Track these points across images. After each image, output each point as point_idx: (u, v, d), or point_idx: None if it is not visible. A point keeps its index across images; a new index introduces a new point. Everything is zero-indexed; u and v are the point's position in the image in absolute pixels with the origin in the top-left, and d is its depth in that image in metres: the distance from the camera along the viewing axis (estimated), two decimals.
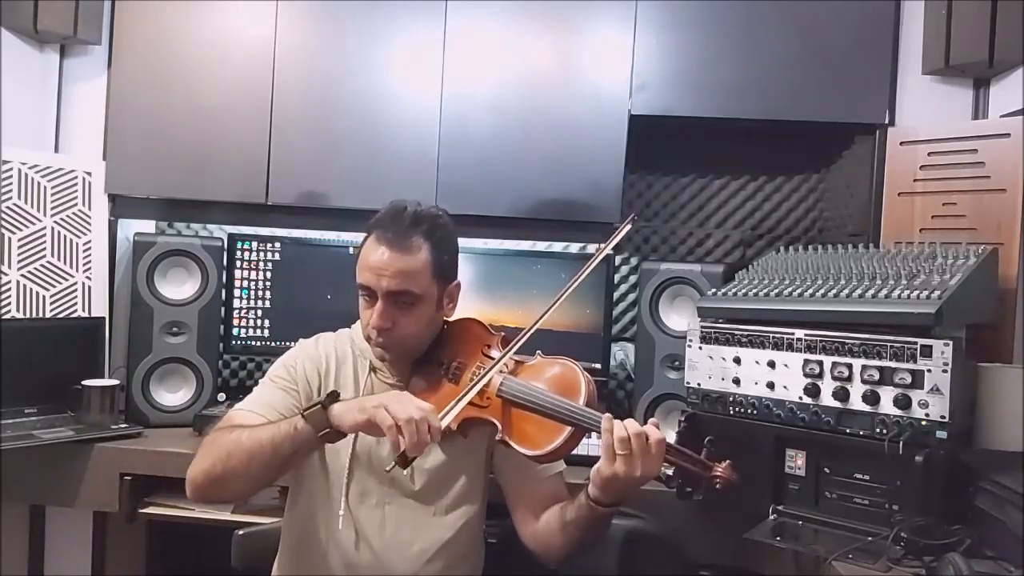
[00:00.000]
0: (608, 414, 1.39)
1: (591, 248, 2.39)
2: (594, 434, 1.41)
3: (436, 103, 2.30)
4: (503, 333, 1.60)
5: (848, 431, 1.63)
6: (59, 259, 2.31)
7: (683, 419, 1.80)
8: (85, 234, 2.37)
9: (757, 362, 1.75)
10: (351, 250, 2.29)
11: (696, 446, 1.45)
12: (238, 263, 2.35)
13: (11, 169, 2.23)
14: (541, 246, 2.44)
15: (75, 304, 2.34)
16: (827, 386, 1.65)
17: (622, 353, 2.46)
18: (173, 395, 2.29)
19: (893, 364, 1.57)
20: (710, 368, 1.81)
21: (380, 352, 1.54)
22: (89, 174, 2.38)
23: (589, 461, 1.44)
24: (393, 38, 2.31)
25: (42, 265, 2.28)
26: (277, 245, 2.36)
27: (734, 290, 1.87)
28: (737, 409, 1.77)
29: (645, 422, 1.41)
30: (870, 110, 2.23)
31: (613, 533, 1.63)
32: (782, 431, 1.74)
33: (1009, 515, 1.41)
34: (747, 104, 2.25)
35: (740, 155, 2.52)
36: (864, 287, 1.68)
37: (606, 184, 2.27)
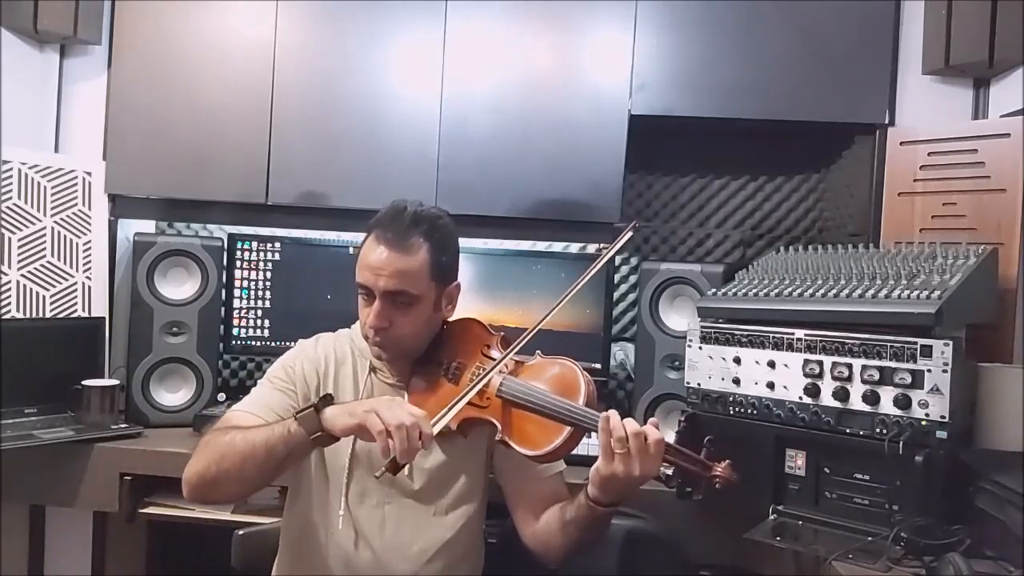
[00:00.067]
0: (606, 413, 1.38)
1: (591, 248, 2.39)
2: (594, 434, 1.41)
3: (436, 103, 2.30)
4: (503, 333, 1.60)
5: (848, 431, 1.63)
6: (59, 259, 2.31)
7: (683, 419, 1.80)
8: (85, 234, 2.37)
9: (757, 362, 1.74)
10: (351, 250, 2.29)
11: (696, 446, 1.45)
12: (238, 263, 2.35)
13: (11, 169, 2.23)
14: (541, 246, 2.44)
15: (75, 304, 2.34)
16: (827, 386, 1.65)
17: (622, 353, 2.46)
18: (173, 395, 2.29)
19: (893, 364, 1.57)
20: (710, 368, 1.81)
21: (377, 351, 1.54)
22: (89, 174, 2.38)
23: (589, 461, 1.44)
24: (393, 38, 2.32)
25: (42, 265, 2.28)
26: (277, 245, 2.36)
27: (734, 290, 1.87)
28: (737, 409, 1.77)
29: (645, 422, 1.41)
30: (870, 110, 2.23)
31: (613, 533, 1.63)
32: (782, 431, 1.73)
33: (1009, 515, 1.41)
34: (747, 104, 2.25)
35: (740, 155, 2.52)
36: (864, 287, 1.68)
37: (606, 184, 2.27)
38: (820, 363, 1.66)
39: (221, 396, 2.29)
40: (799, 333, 1.70)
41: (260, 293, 2.36)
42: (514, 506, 1.61)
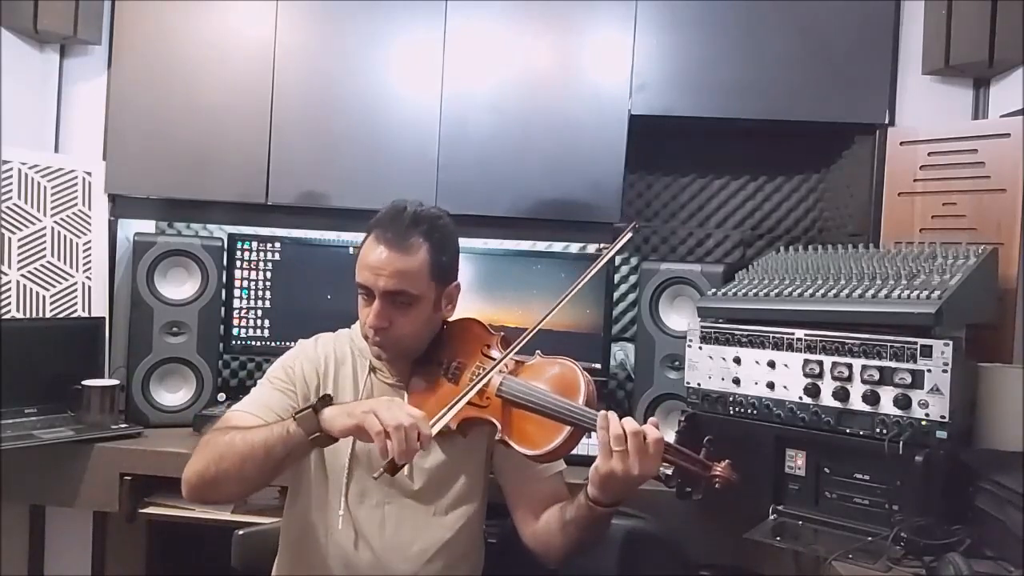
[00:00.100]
0: (604, 411, 1.38)
1: (591, 248, 2.39)
2: (594, 434, 1.41)
3: (436, 103, 2.30)
4: (503, 333, 1.60)
5: (848, 431, 1.63)
6: (59, 259, 2.31)
7: (683, 419, 1.80)
8: (85, 234, 2.37)
9: (757, 362, 1.74)
10: (351, 250, 2.29)
11: (695, 446, 1.45)
12: (238, 263, 2.35)
13: (11, 169, 2.23)
14: (541, 246, 2.44)
15: (75, 304, 2.34)
16: (827, 386, 1.65)
17: (622, 353, 2.46)
18: (173, 395, 2.29)
19: (893, 364, 1.57)
20: (710, 368, 1.81)
21: (377, 351, 1.54)
22: (89, 174, 2.38)
23: (589, 461, 1.44)
24: (393, 38, 2.32)
25: (42, 265, 2.28)
26: (277, 245, 2.36)
27: (734, 290, 1.87)
28: (737, 409, 1.77)
29: (645, 422, 1.41)
30: (870, 110, 2.23)
31: (613, 533, 1.63)
32: (782, 431, 1.73)
33: (1009, 515, 1.41)
34: (747, 104, 2.25)
35: (740, 155, 2.52)
36: (864, 287, 1.68)
37: (606, 184, 2.27)
38: (820, 363, 1.66)
39: (221, 396, 2.29)
40: (799, 333, 1.70)
41: (260, 293, 2.36)
42: (514, 506, 1.61)
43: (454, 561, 1.56)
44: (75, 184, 2.35)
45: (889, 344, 1.57)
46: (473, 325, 1.62)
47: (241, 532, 1.74)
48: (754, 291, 1.82)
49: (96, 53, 2.43)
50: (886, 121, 2.22)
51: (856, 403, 1.61)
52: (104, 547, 2.49)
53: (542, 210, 2.29)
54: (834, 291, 1.70)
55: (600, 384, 1.89)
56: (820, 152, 2.47)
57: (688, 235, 2.55)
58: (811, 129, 2.30)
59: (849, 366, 1.62)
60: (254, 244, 2.35)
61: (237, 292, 2.35)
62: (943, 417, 1.51)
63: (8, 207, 2.22)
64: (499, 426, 1.47)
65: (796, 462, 1.74)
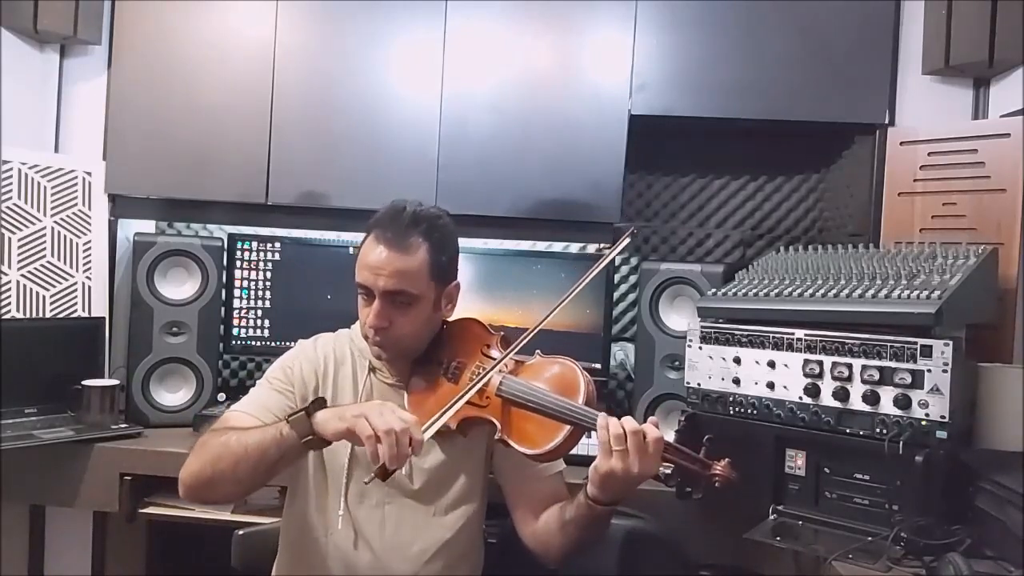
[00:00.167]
0: (603, 412, 1.38)
1: (591, 248, 2.39)
2: (593, 433, 1.41)
3: (436, 103, 2.30)
4: (502, 333, 1.60)
5: (848, 431, 1.63)
6: (59, 259, 2.31)
7: (683, 419, 1.80)
8: (85, 234, 2.37)
9: (757, 362, 1.74)
10: (351, 250, 2.29)
11: (695, 445, 1.45)
12: (238, 263, 2.35)
13: (11, 169, 2.23)
14: (541, 246, 2.44)
15: (75, 304, 2.34)
16: (827, 386, 1.65)
17: (622, 353, 2.46)
18: (173, 395, 2.29)
19: (893, 364, 1.57)
20: (710, 368, 1.81)
21: (378, 351, 1.54)
22: (89, 174, 2.38)
23: (589, 461, 1.44)
24: (393, 38, 2.32)
25: (42, 265, 2.28)
26: (277, 245, 2.36)
27: (734, 290, 1.87)
28: (737, 409, 1.77)
29: (644, 421, 1.41)
30: (870, 110, 2.23)
31: (613, 533, 1.63)
32: (782, 431, 1.73)
33: (1009, 515, 1.41)
34: (747, 104, 2.25)
35: (740, 155, 2.52)
36: (864, 287, 1.68)
37: (606, 184, 2.27)
38: (820, 363, 1.66)
39: (221, 396, 2.29)
40: (799, 333, 1.69)
41: (260, 293, 2.35)
42: (514, 506, 1.61)
43: (454, 561, 1.56)
44: (75, 184, 2.35)
45: (889, 344, 1.57)
46: (473, 325, 1.62)
47: (241, 532, 1.74)
48: (754, 291, 1.82)
49: (96, 53, 2.43)
50: (886, 121, 2.22)
51: (856, 403, 1.61)
52: (104, 547, 2.49)
53: (542, 210, 2.29)
54: (834, 291, 1.70)
55: (600, 384, 1.89)
56: (820, 152, 2.47)
57: (688, 235, 2.55)
58: (811, 129, 2.30)
59: (849, 366, 1.62)
60: (254, 244, 2.35)
61: (237, 292, 2.34)
62: (943, 417, 1.51)
63: (8, 207, 2.22)
64: (499, 426, 1.47)
65: (796, 462, 1.74)
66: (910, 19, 2.23)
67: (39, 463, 2.01)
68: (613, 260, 2.39)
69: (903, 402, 1.55)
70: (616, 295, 2.50)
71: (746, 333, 1.77)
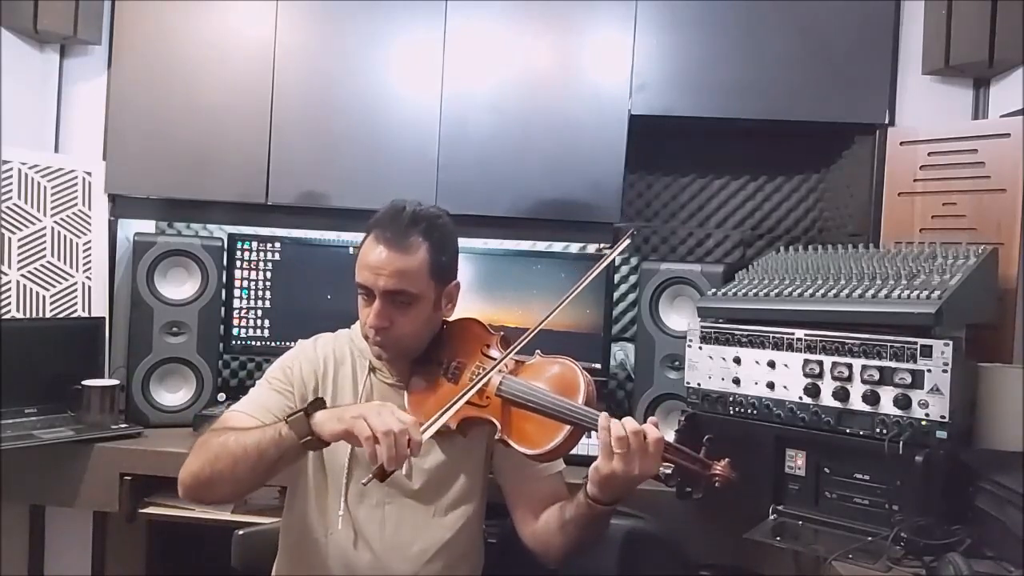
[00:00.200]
0: (605, 412, 1.38)
1: (591, 248, 2.39)
2: (593, 433, 1.41)
3: (436, 103, 2.30)
4: (502, 333, 1.60)
5: (848, 431, 1.63)
6: (59, 259, 2.31)
7: (683, 419, 1.80)
8: (85, 234, 2.37)
9: (757, 362, 1.74)
10: (351, 250, 2.29)
11: (695, 444, 1.45)
12: (238, 263, 2.35)
13: (11, 169, 2.23)
14: (541, 246, 2.44)
15: (75, 304, 2.34)
16: (827, 386, 1.65)
17: (622, 353, 2.46)
18: (173, 395, 2.29)
19: (893, 364, 1.57)
20: (710, 368, 1.81)
21: (378, 351, 1.54)
22: (89, 174, 2.38)
23: (589, 461, 1.44)
24: (393, 38, 2.32)
25: (42, 265, 2.28)
26: (277, 245, 2.36)
27: (734, 290, 1.87)
28: (737, 409, 1.77)
29: (644, 421, 1.41)
30: (870, 110, 2.23)
31: (613, 533, 1.63)
32: (782, 431, 1.73)
33: (1009, 515, 1.41)
34: (747, 104, 2.25)
35: (740, 155, 2.52)
36: (864, 287, 1.68)
37: (606, 184, 2.27)
38: (820, 363, 1.66)
39: (221, 396, 2.29)
40: (799, 333, 1.69)
41: (260, 293, 2.35)
42: (513, 505, 1.61)
43: (454, 561, 1.56)
44: (75, 184, 2.36)
45: (889, 344, 1.57)
46: (473, 325, 1.62)
47: (241, 532, 1.74)
48: (754, 291, 1.82)
49: (96, 53, 2.43)
50: (886, 121, 2.22)
51: (856, 403, 1.61)
52: (104, 547, 2.49)
53: (542, 210, 2.29)
54: (834, 291, 1.70)
55: (600, 384, 1.89)
56: (820, 152, 2.47)
57: (688, 235, 2.55)
58: (811, 129, 2.30)
59: (849, 366, 1.62)
60: (254, 244, 2.35)
61: (237, 292, 2.34)
62: (943, 417, 1.51)
63: (8, 207, 2.22)
64: (499, 426, 1.47)
65: (796, 462, 1.74)
66: (910, 19, 2.23)
67: (39, 463, 2.01)
68: (613, 260, 2.39)
69: (903, 402, 1.55)
70: (616, 295, 2.50)
71: (746, 333, 1.77)
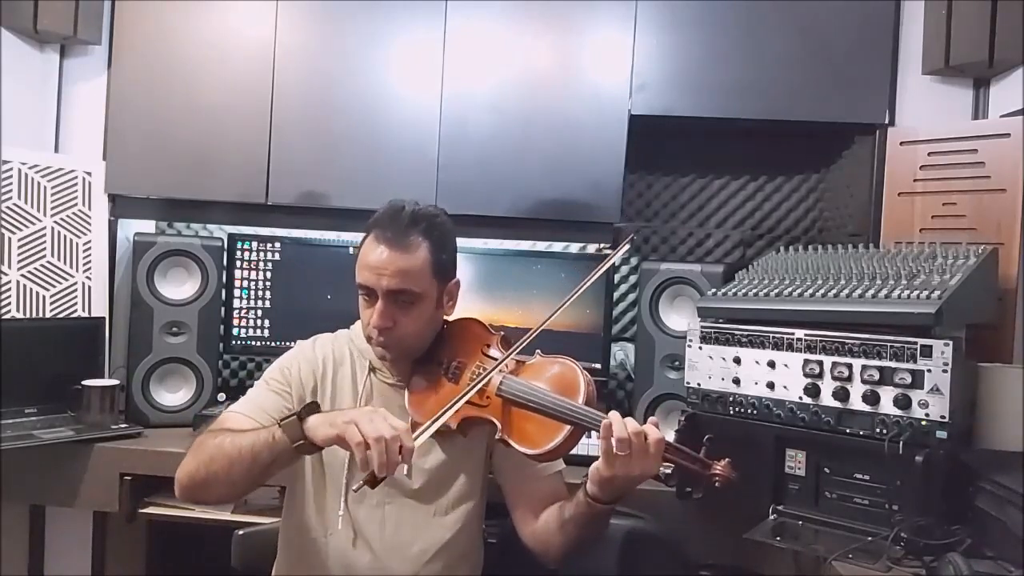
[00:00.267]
0: (607, 420, 1.38)
1: (591, 248, 2.39)
2: (593, 433, 1.41)
3: (436, 103, 2.30)
4: (503, 333, 1.60)
5: (848, 431, 1.63)
6: (59, 259, 2.31)
7: (683, 419, 1.80)
8: (85, 234, 2.37)
9: (757, 362, 1.74)
10: (351, 250, 2.29)
11: (695, 444, 1.45)
12: (238, 263, 2.35)
13: (11, 169, 2.23)
14: (541, 246, 2.44)
15: (75, 304, 2.34)
16: (827, 386, 1.65)
17: (622, 353, 2.46)
18: (173, 395, 2.29)
19: (893, 364, 1.57)
20: (710, 368, 1.81)
21: (381, 352, 1.54)
22: (89, 174, 2.38)
23: (589, 461, 1.44)
24: (393, 38, 2.32)
25: (42, 265, 2.28)
26: (277, 245, 2.36)
27: (734, 290, 1.87)
28: (737, 409, 1.77)
29: (645, 421, 1.41)
30: (870, 110, 2.23)
31: (613, 533, 1.63)
32: (782, 431, 1.73)
33: (1009, 515, 1.41)
34: (747, 104, 2.25)
35: (740, 155, 2.52)
36: (864, 287, 1.68)
37: (606, 184, 2.27)
38: (820, 363, 1.66)
39: (221, 396, 2.29)
40: (799, 333, 1.69)
41: (260, 293, 2.35)
42: (513, 505, 1.61)
43: (454, 561, 1.56)
44: (75, 184, 2.35)
45: (889, 344, 1.57)
46: (473, 325, 1.62)
47: (241, 532, 1.74)
48: (754, 291, 1.82)
49: (96, 53, 2.43)
50: (886, 121, 2.22)
51: (856, 403, 1.61)
52: (104, 547, 2.49)
53: (542, 210, 2.29)
54: (834, 291, 1.70)
55: (600, 384, 1.89)
56: (820, 152, 2.47)
57: (688, 235, 2.55)
58: (811, 129, 2.31)
59: (849, 366, 1.62)
60: (254, 244, 2.35)
61: (237, 292, 2.34)
62: (943, 417, 1.51)
63: (8, 207, 2.22)
64: (499, 425, 1.47)
65: (796, 462, 1.74)
66: (910, 19, 2.23)
67: (39, 463, 2.01)
68: (614, 262, 2.39)
69: (903, 402, 1.55)
70: (616, 295, 2.50)
71: (746, 333, 1.77)
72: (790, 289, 1.78)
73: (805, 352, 1.68)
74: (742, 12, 2.24)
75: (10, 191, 2.23)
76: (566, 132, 2.28)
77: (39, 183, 2.29)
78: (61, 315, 2.30)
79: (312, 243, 2.39)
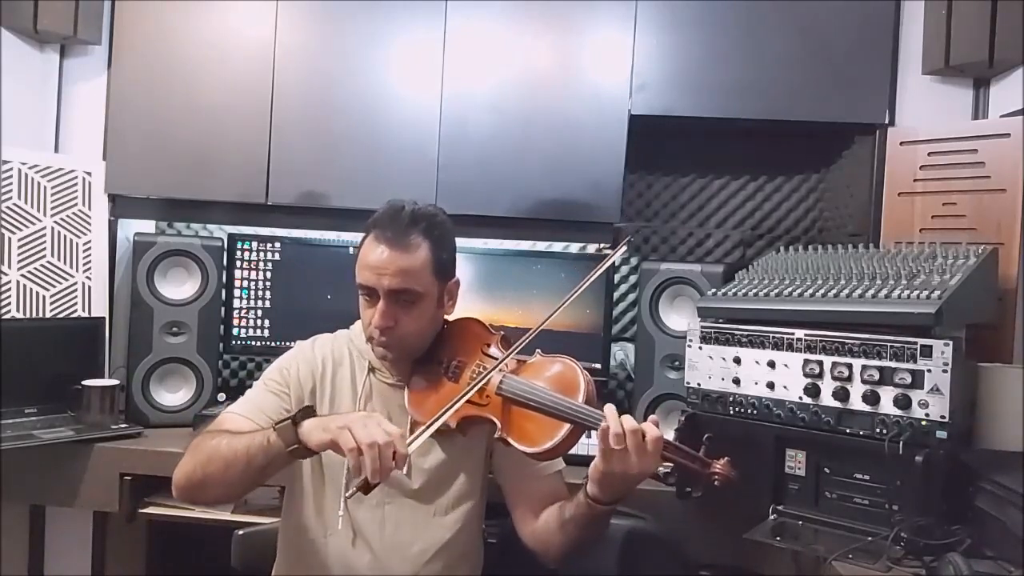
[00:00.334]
0: (610, 404, 1.38)
1: (591, 248, 2.39)
2: (593, 433, 1.41)
3: (436, 103, 2.30)
4: (502, 332, 1.60)
5: (848, 431, 1.63)
6: (59, 259, 2.31)
7: (683, 419, 1.80)
8: (85, 234, 2.37)
9: (757, 362, 1.74)
10: (351, 250, 2.29)
11: (694, 444, 1.45)
12: (238, 263, 2.35)
13: (11, 169, 2.23)
14: (541, 246, 2.44)
15: (75, 304, 2.34)
16: (827, 386, 1.65)
17: (622, 353, 2.46)
18: (173, 395, 2.29)
19: (893, 364, 1.57)
20: (710, 368, 1.81)
21: (382, 352, 1.54)
22: (89, 174, 2.38)
23: (588, 461, 1.44)
24: (393, 38, 2.32)
25: (42, 265, 2.28)
26: (277, 245, 2.36)
27: (734, 290, 1.87)
28: (737, 409, 1.77)
29: (644, 421, 1.41)
30: (870, 110, 2.23)
31: (613, 533, 1.63)
32: (782, 431, 1.73)
33: (1009, 515, 1.41)
34: (747, 104, 2.25)
35: (740, 155, 2.52)
36: (864, 287, 1.68)
37: (606, 184, 2.27)
38: (820, 363, 1.66)
39: (221, 396, 2.29)
40: (799, 333, 1.69)
41: (260, 293, 2.35)
42: (513, 505, 1.61)
43: (454, 561, 1.56)
44: (75, 184, 2.35)
45: (889, 344, 1.57)
46: (473, 324, 1.62)
47: (241, 532, 1.74)
48: (754, 291, 1.82)
49: (96, 53, 2.43)
50: (886, 121, 2.22)
51: (856, 403, 1.61)
52: (104, 547, 2.49)
53: (542, 210, 2.29)
54: (834, 291, 1.70)
55: (600, 384, 1.89)
56: (820, 152, 2.47)
57: (688, 235, 2.55)
58: (811, 129, 2.31)
59: (849, 366, 1.62)
60: (254, 244, 2.35)
61: (237, 292, 2.34)
62: (943, 417, 1.51)
63: (8, 207, 2.22)
64: (498, 424, 1.47)
65: (796, 462, 1.74)
66: (910, 19, 2.23)
67: (39, 463, 2.01)
68: (614, 261, 2.39)
69: (903, 402, 1.55)
70: (616, 295, 2.50)
71: (746, 333, 1.77)
72: (790, 289, 1.78)
73: (805, 352, 1.68)
74: (742, 12, 2.24)
75: (10, 191, 2.23)
76: (566, 132, 2.28)
77: (39, 183, 2.29)
78: (61, 315, 2.30)
79: (312, 243, 2.39)
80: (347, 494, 1.35)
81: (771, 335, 1.73)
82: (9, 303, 2.21)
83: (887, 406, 1.57)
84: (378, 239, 1.49)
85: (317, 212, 2.35)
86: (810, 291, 1.74)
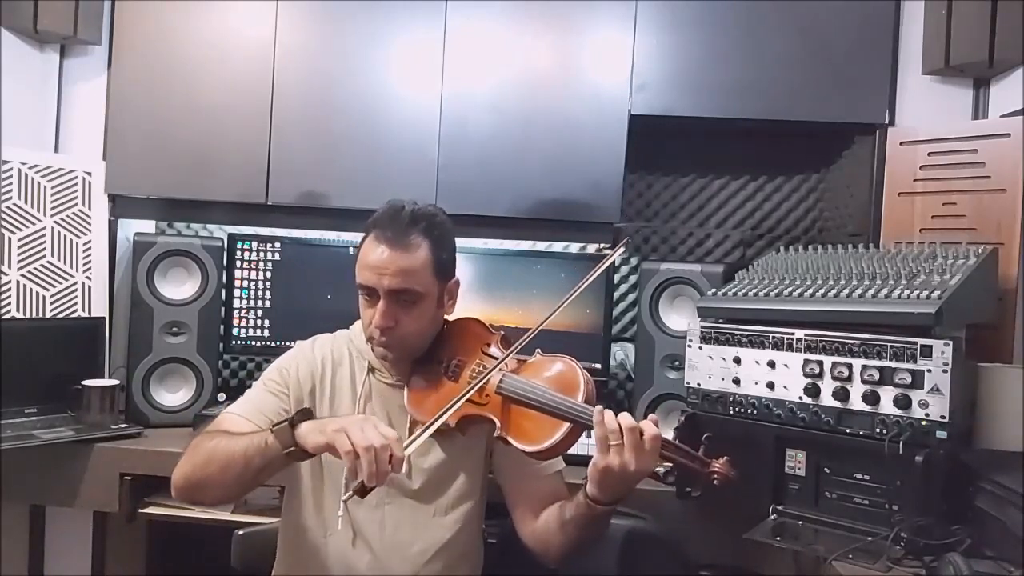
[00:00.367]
0: (600, 406, 1.38)
1: (591, 248, 2.39)
2: (592, 432, 1.41)
3: (436, 103, 2.30)
4: (502, 332, 1.60)
5: (848, 431, 1.63)
6: (59, 259, 2.31)
7: (682, 419, 1.80)
8: (85, 234, 2.37)
9: (757, 362, 1.74)
10: (351, 250, 2.29)
11: (694, 443, 1.45)
12: (238, 263, 2.35)
13: (11, 169, 2.23)
14: (541, 246, 2.44)
15: (75, 304, 2.34)
16: (827, 386, 1.65)
17: (622, 353, 2.46)
18: (173, 395, 2.29)
19: (893, 364, 1.57)
20: (710, 368, 1.81)
21: (383, 352, 1.54)
22: (89, 174, 2.38)
23: (588, 461, 1.44)
24: (393, 38, 2.32)
25: (42, 265, 2.28)
26: (277, 245, 2.36)
27: (734, 290, 1.87)
28: (737, 409, 1.77)
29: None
30: (870, 110, 2.23)
31: (613, 533, 1.63)
32: (782, 431, 1.73)
33: (1009, 515, 1.41)
34: (747, 104, 2.25)
35: (740, 155, 2.52)
36: (864, 287, 1.68)
37: (606, 184, 2.27)
38: (820, 363, 1.66)
39: (221, 396, 2.29)
40: (799, 333, 1.69)
41: (260, 293, 2.35)
42: (513, 505, 1.61)
43: (454, 561, 1.56)
44: (75, 184, 2.36)
45: (889, 344, 1.57)
46: (473, 324, 1.62)
47: (241, 532, 1.74)
48: (754, 291, 1.82)
49: (96, 53, 2.43)
50: (886, 121, 2.22)
51: (856, 403, 1.61)
52: (104, 547, 2.49)
53: (542, 210, 2.29)
54: (834, 291, 1.70)
55: (600, 384, 1.89)
56: (820, 152, 2.47)
57: (688, 235, 2.55)
58: (811, 129, 2.31)
59: (849, 366, 1.62)
60: (254, 244, 2.35)
61: (237, 292, 2.34)
62: (943, 417, 1.51)
63: (8, 207, 2.22)
64: (498, 423, 1.47)
65: (796, 462, 1.74)
66: (910, 19, 2.23)
67: (39, 463, 2.01)
68: (613, 261, 2.39)
69: (903, 402, 1.55)
70: (616, 295, 2.50)
71: (746, 333, 1.77)
72: (790, 289, 1.78)
73: (805, 352, 1.68)
74: (742, 12, 2.24)
75: (10, 191, 2.23)
76: (566, 132, 2.28)
77: (39, 183, 2.29)
78: (61, 315, 2.30)
79: (312, 243, 2.39)
80: (344, 497, 1.34)
81: (771, 335, 1.73)
82: (9, 303, 2.21)
83: (887, 406, 1.57)
84: (378, 239, 1.49)
85: (317, 212, 2.35)
86: (810, 291, 1.74)
